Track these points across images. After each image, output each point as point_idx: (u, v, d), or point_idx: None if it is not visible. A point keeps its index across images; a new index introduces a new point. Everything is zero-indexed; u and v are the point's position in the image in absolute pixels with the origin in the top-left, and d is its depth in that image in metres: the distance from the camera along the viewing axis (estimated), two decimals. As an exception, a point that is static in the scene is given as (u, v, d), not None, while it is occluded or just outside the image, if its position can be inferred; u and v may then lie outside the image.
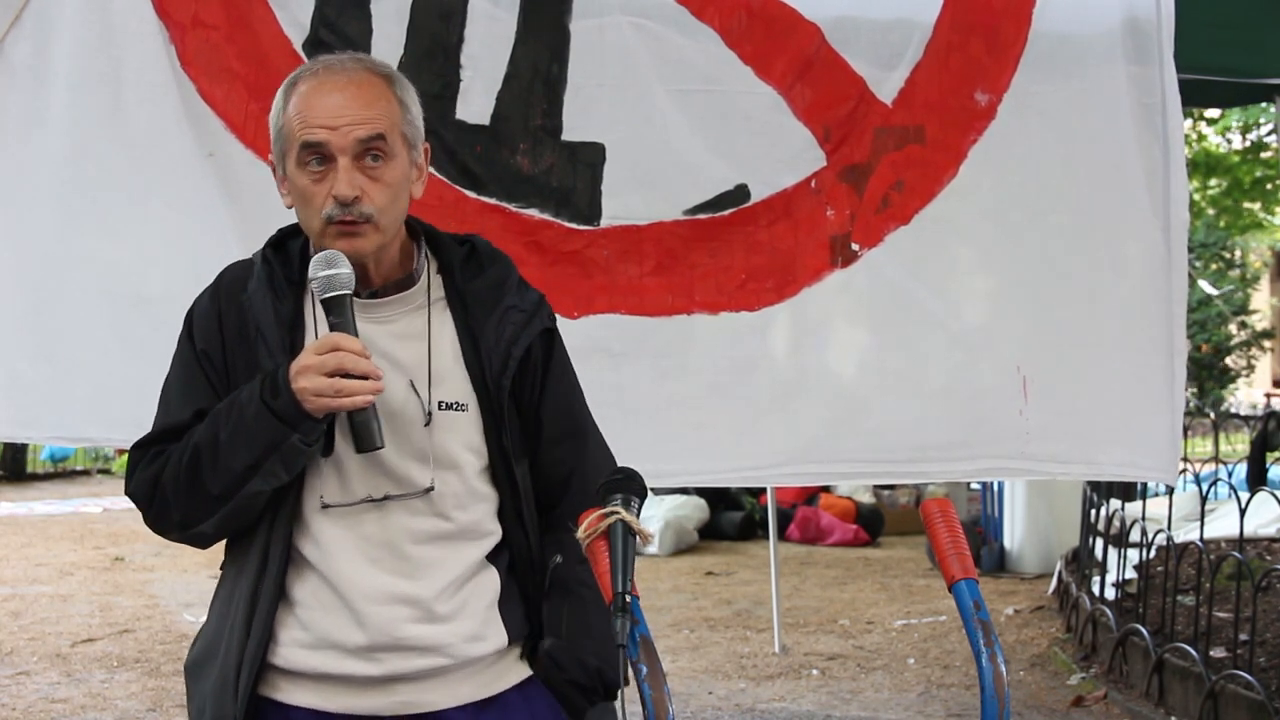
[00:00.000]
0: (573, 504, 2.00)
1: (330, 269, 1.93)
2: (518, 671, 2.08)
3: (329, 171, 1.94)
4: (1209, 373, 19.66)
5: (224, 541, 2.07)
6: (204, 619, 2.11)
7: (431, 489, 1.99)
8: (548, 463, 2.12)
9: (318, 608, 1.98)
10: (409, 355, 2.02)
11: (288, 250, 2.05)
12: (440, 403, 2.01)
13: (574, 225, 3.49)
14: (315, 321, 2.01)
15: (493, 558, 2.06)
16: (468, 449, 2.03)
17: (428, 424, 1.99)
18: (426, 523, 2.00)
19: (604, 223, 3.52)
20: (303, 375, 1.88)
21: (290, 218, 2.10)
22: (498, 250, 2.16)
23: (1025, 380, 3.57)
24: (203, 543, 2.03)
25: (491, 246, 2.16)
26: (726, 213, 3.53)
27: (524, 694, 2.07)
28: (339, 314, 1.93)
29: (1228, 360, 20.78)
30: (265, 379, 1.92)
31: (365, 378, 1.89)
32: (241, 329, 2.01)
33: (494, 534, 2.07)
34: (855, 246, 3.58)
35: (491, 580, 2.05)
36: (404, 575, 1.98)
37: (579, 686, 2.02)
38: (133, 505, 2.05)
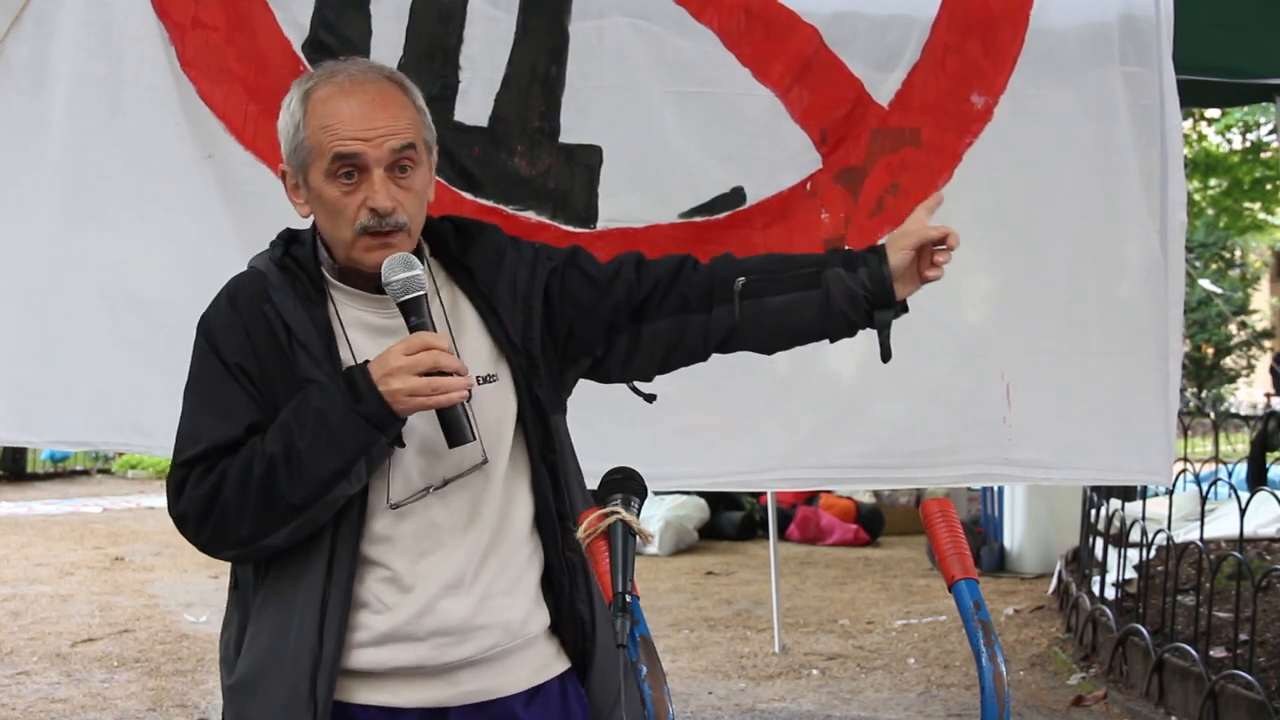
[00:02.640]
0: (689, 279, 2.14)
1: (408, 271, 1.94)
2: (561, 662, 2.10)
3: (361, 183, 1.95)
4: None
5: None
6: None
7: (486, 461, 2.01)
8: (648, 321, 2.15)
9: (384, 606, 1.99)
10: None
11: (297, 257, 2.04)
12: (477, 378, 2.02)
13: (570, 228, 3.48)
14: (343, 327, 2.02)
15: (538, 522, 2.09)
16: (507, 416, 2.05)
17: (469, 400, 2.00)
18: (489, 497, 2.03)
19: (600, 225, 3.51)
20: (394, 377, 1.88)
21: (290, 219, 2.10)
22: (480, 220, 2.19)
23: (1009, 387, 3.57)
24: (267, 555, 1.99)
25: (473, 219, 2.18)
26: (722, 216, 3.53)
27: (563, 686, 2.09)
28: (420, 314, 1.94)
29: (1227, 360, 20.78)
30: (340, 385, 1.92)
31: (455, 374, 1.90)
32: (271, 339, 1.98)
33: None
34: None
35: (539, 555, 2.08)
36: (476, 555, 2.01)
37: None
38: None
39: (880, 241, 2.16)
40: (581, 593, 2.09)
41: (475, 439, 1.94)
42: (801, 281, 2.14)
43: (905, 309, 2.17)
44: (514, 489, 2.06)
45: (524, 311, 2.07)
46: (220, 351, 2.00)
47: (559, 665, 2.09)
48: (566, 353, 2.14)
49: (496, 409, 2.04)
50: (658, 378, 2.28)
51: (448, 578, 1.99)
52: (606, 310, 2.14)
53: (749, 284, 2.14)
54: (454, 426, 1.92)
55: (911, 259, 2.12)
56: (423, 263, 2.06)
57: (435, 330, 1.94)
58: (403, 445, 1.96)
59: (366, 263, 1.98)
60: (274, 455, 1.90)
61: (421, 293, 1.94)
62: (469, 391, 1.91)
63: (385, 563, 1.99)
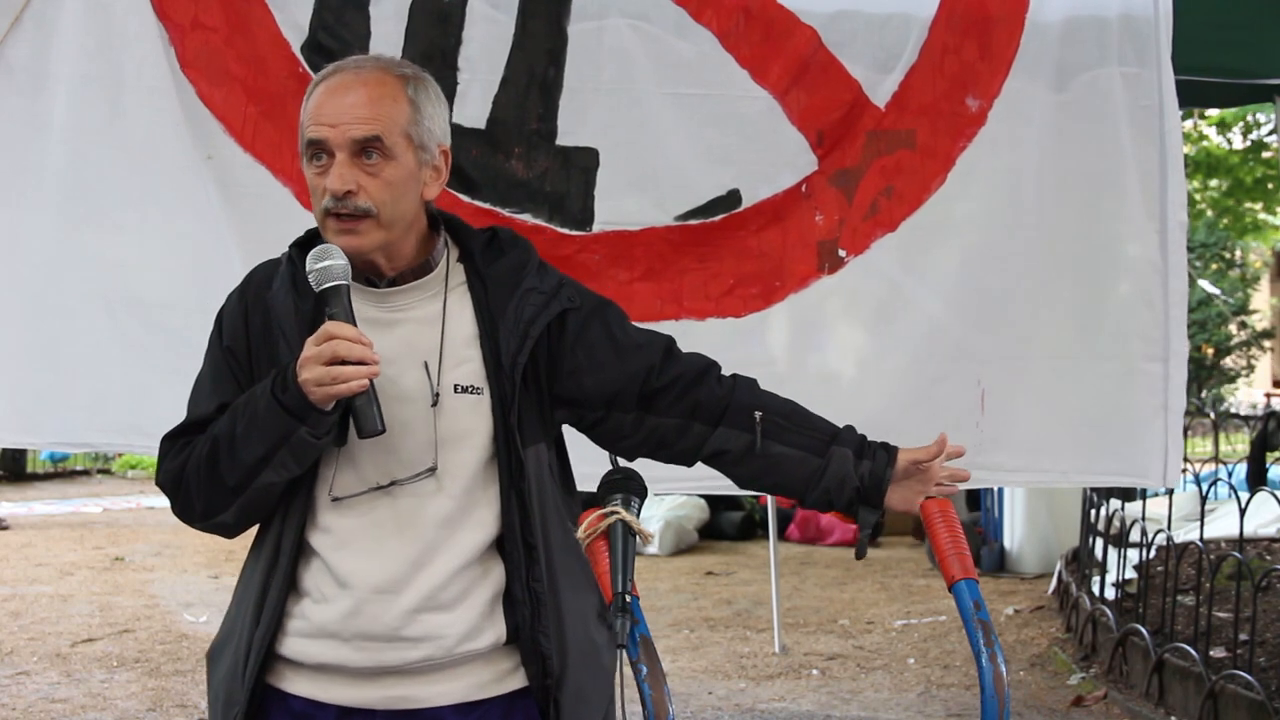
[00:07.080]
0: (711, 391, 2.15)
1: (323, 261, 1.96)
2: (511, 681, 2.05)
3: (328, 167, 1.98)
4: None
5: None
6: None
7: (434, 469, 2.00)
8: (654, 413, 2.15)
9: (320, 598, 2.00)
10: (425, 340, 2.04)
11: (305, 247, 2.06)
12: (455, 385, 2.03)
13: (566, 230, 3.48)
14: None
15: (502, 548, 2.05)
16: (479, 431, 2.04)
17: (434, 405, 2.01)
18: (435, 506, 2.01)
19: (596, 228, 3.51)
20: (304, 367, 1.90)
21: (287, 219, 2.11)
22: (520, 236, 2.18)
23: (984, 392, 3.56)
24: (226, 533, 2.07)
25: (514, 233, 2.18)
26: (717, 218, 3.53)
27: (510, 705, 2.05)
28: (335, 304, 1.95)
29: (1227, 360, 20.75)
30: (277, 374, 1.95)
31: (362, 363, 1.90)
32: (265, 326, 2.05)
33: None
34: (842, 253, 3.57)
35: (498, 571, 2.04)
36: (409, 562, 1.99)
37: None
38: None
39: (896, 446, 2.25)
40: (546, 627, 2.02)
41: (383, 430, 1.92)
42: (810, 444, 2.20)
43: (884, 519, 2.26)
44: (472, 506, 2.03)
45: (520, 336, 2.05)
46: (221, 333, 2.10)
47: (510, 684, 2.05)
48: (557, 393, 2.12)
49: (465, 421, 2.03)
50: None
51: (378, 581, 1.98)
52: (617, 376, 2.13)
53: (764, 421, 2.17)
54: (360, 416, 1.92)
55: (910, 472, 2.24)
56: (444, 263, 2.08)
57: (353, 322, 1.94)
58: (342, 443, 1.97)
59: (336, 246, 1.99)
60: (218, 437, 1.99)
61: (337, 283, 1.95)
62: (370, 382, 1.91)
63: (325, 555, 2.01)
